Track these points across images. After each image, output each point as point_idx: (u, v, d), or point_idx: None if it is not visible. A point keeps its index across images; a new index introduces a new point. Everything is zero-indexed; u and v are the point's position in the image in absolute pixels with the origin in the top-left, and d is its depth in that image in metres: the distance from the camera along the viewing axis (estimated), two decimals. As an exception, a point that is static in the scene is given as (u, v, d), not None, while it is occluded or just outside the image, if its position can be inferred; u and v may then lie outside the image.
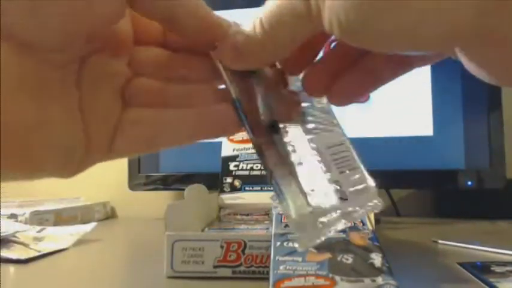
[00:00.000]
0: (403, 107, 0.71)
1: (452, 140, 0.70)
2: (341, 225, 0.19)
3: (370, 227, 0.37)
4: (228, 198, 0.56)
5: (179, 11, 0.19)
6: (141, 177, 0.81)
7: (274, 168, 0.20)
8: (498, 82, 0.18)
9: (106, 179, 0.96)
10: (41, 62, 0.17)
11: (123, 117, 0.21)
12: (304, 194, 0.19)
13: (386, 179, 0.72)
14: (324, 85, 0.22)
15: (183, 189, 0.49)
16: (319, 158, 0.21)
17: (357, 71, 0.22)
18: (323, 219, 0.19)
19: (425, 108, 0.71)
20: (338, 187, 0.21)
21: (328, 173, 0.21)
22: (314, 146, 0.22)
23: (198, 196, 0.51)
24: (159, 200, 0.87)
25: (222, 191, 0.57)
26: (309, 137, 0.22)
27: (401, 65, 0.22)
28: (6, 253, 0.47)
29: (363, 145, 0.77)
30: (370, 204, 0.21)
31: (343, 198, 0.20)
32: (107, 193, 0.94)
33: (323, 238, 0.19)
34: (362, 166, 0.22)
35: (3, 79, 0.16)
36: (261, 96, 0.21)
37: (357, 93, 0.23)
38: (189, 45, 0.22)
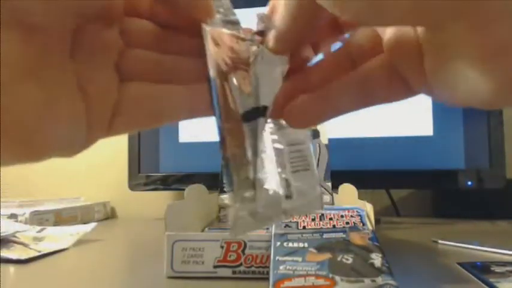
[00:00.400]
0: (403, 107, 0.71)
1: (452, 140, 0.70)
2: (277, 220, 0.20)
3: (370, 227, 0.37)
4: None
5: None
6: (141, 177, 0.81)
7: (231, 157, 0.20)
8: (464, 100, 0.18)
9: (106, 179, 0.96)
10: (42, 44, 0.17)
11: (123, 93, 0.20)
12: (254, 187, 0.19)
13: (387, 179, 0.72)
14: (278, 105, 0.22)
15: (183, 189, 0.49)
16: (277, 154, 0.21)
17: (315, 96, 0.21)
18: (263, 212, 0.19)
19: (425, 108, 0.71)
20: (286, 184, 0.21)
21: (281, 169, 0.21)
22: (276, 140, 0.22)
23: (198, 196, 0.51)
24: (159, 200, 0.87)
25: (222, 191, 0.57)
26: (274, 131, 0.22)
27: (361, 97, 0.21)
28: (6, 253, 0.47)
29: (363, 145, 0.77)
30: (309, 209, 0.21)
31: (288, 196, 0.20)
32: (107, 193, 0.94)
33: (257, 230, 0.20)
34: (315, 169, 0.22)
35: (8, 66, 0.16)
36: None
37: (310, 119, 0.22)
38: (176, 21, 0.22)
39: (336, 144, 0.61)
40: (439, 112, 0.71)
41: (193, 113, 0.22)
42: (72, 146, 0.20)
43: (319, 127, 0.58)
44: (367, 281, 0.28)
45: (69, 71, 0.19)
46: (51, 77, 0.18)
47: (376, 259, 0.31)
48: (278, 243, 0.34)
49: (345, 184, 0.53)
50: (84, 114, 0.19)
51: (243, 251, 0.37)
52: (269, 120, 0.22)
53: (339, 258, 0.31)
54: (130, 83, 0.21)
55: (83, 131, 0.19)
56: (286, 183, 0.21)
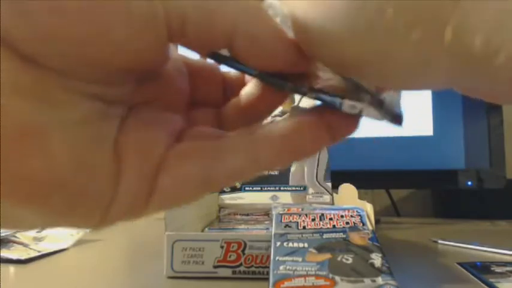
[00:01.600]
0: (403, 107, 0.71)
1: (452, 140, 0.70)
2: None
3: (370, 227, 0.37)
4: (228, 198, 0.57)
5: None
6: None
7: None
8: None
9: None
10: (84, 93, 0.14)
11: (168, 154, 0.16)
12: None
13: (387, 179, 0.72)
14: None
15: (183, 189, 0.48)
16: None
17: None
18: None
19: (425, 108, 0.71)
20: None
21: None
22: None
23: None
24: (159, 200, 0.86)
25: (222, 191, 0.57)
26: None
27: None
28: (6, 253, 0.47)
29: (363, 145, 0.77)
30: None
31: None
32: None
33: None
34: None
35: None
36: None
37: None
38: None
39: (336, 144, 0.61)
40: (439, 112, 0.71)
41: (260, 164, 0.16)
42: (90, 216, 0.15)
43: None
44: (367, 281, 0.28)
45: (110, 135, 0.15)
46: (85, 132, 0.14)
47: (376, 259, 0.31)
48: (278, 243, 0.34)
49: (345, 184, 0.53)
50: (112, 180, 0.15)
51: (243, 251, 0.37)
52: None
53: (339, 258, 0.31)
54: (179, 143, 0.16)
55: (105, 201, 0.15)
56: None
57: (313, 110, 0.16)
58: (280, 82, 0.16)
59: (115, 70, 0.14)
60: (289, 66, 0.16)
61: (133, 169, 0.15)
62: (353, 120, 0.16)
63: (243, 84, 0.19)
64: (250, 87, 0.19)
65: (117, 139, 0.15)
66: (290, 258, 0.31)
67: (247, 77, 0.20)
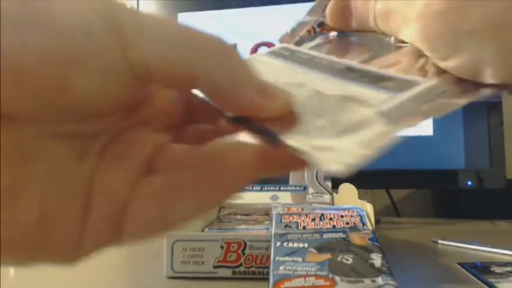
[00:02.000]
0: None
1: (452, 140, 0.70)
2: None
3: (370, 227, 0.37)
4: (228, 198, 0.56)
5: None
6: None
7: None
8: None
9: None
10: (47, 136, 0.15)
11: (132, 197, 0.17)
12: None
13: (387, 179, 0.72)
14: None
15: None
16: None
17: None
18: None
19: (425, 108, 0.71)
20: None
21: None
22: None
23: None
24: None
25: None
26: None
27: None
28: (6, 253, 0.47)
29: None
30: None
31: None
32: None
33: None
34: None
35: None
36: None
37: None
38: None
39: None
40: (439, 112, 0.71)
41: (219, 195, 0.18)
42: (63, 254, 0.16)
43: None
44: (367, 281, 0.28)
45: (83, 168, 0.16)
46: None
47: (376, 259, 0.31)
48: (278, 244, 0.34)
49: (345, 184, 0.53)
50: (79, 220, 0.16)
51: (243, 251, 0.37)
52: None
53: (339, 259, 0.31)
54: (144, 179, 0.17)
55: (73, 239, 0.16)
56: None
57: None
58: (241, 122, 0.17)
59: (85, 113, 0.15)
60: (248, 113, 0.16)
61: (101, 214, 0.16)
62: (294, 159, 0.16)
63: None
64: None
65: (91, 179, 0.16)
66: (290, 259, 0.31)
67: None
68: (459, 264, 0.41)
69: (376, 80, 0.19)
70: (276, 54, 0.23)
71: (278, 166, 0.18)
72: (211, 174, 0.17)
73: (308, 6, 0.27)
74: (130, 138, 0.17)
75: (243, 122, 0.17)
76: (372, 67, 0.20)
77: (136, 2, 0.82)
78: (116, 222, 0.16)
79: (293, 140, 0.15)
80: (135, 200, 0.17)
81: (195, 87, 0.16)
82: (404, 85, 0.18)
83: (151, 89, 0.18)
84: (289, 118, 0.17)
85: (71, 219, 0.15)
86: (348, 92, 0.18)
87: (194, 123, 0.20)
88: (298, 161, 0.16)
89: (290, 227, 0.37)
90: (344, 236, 0.35)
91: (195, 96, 0.19)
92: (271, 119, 0.16)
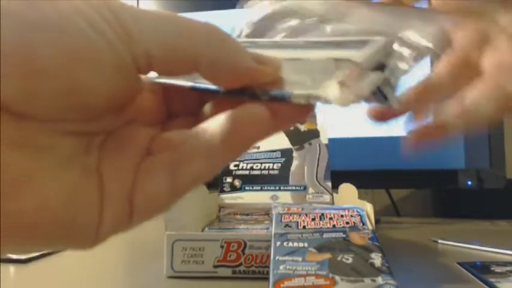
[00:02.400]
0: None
1: (452, 140, 0.70)
2: None
3: (370, 227, 0.37)
4: (228, 198, 0.57)
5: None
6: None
7: None
8: None
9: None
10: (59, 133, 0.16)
11: (138, 173, 0.17)
12: None
13: (387, 179, 0.72)
14: None
15: (183, 189, 0.48)
16: None
17: None
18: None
19: (425, 108, 0.71)
20: None
21: None
22: None
23: (198, 196, 0.51)
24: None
25: (222, 191, 0.57)
26: None
27: None
28: (6, 253, 0.47)
29: (364, 145, 0.77)
30: None
31: None
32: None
33: None
34: None
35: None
36: None
37: None
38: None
39: (336, 144, 0.61)
40: (439, 112, 0.71)
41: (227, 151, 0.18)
42: (81, 238, 0.17)
43: (319, 127, 0.58)
44: (367, 280, 0.28)
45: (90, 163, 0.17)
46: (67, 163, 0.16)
47: (376, 259, 0.31)
48: (278, 243, 0.34)
49: (345, 184, 0.53)
50: (97, 205, 0.17)
51: (243, 251, 0.37)
52: None
53: (339, 258, 0.31)
54: (146, 159, 0.18)
55: (93, 222, 0.17)
56: None
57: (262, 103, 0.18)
58: (241, 96, 0.18)
59: (94, 111, 0.16)
60: (249, 81, 0.18)
61: (114, 195, 0.17)
62: (302, 109, 0.18)
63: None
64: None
65: (99, 169, 0.17)
66: (290, 258, 0.31)
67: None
68: (459, 264, 0.41)
69: (338, 44, 0.21)
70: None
71: (288, 119, 0.18)
72: (225, 133, 0.17)
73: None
74: (124, 134, 0.18)
75: (240, 93, 0.18)
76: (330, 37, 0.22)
77: (136, 2, 0.82)
78: (129, 201, 0.17)
79: (298, 90, 0.17)
80: (141, 175, 0.17)
81: (197, 70, 0.17)
82: (362, 43, 0.19)
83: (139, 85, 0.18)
84: (279, 81, 0.18)
85: (91, 203, 0.16)
86: (322, 55, 0.19)
87: (176, 118, 0.21)
88: (305, 108, 0.17)
89: (290, 226, 0.37)
90: (344, 235, 0.35)
91: (175, 91, 0.20)
92: (266, 83, 0.18)
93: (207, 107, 0.20)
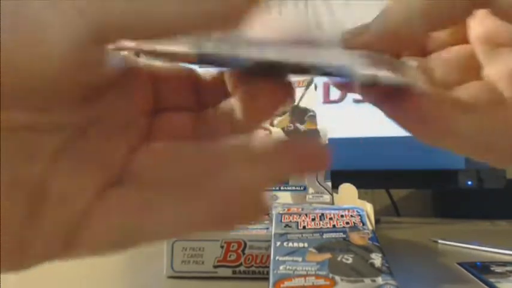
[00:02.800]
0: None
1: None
2: None
3: (370, 227, 0.37)
4: (228, 198, 0.56)
5: None
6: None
7: None
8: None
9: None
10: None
11: (94, 205, 0.14)
12: None
13: (387, 179, 0.72)
14: None
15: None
16: None
17: None
18: None
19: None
20: None
21: None
22: None
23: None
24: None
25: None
26: None
27: None
28: (6, 253, 0.47)
29: (364, 145, 0.77)
30: None
31: None
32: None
33: None
34: None
35: None
36: None
37: None
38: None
39: (335, 144, 0.61)
40: (439, 112, 0.71)
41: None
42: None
43: (319, 127, 0.58)
44: (367, 281, 0.28)
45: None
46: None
47: (376, 259, 0.31)
48: (278, 243, 0.34)
49: (345, 184, 0.53)
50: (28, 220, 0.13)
51: (243, 251, 0.37)
52: None
53: (339, 258, 0.31)
54: (113, 187, 0.15)
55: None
56: None
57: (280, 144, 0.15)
58: (272, 71, 0.15)
59: (37, 99, 0.13)
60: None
61: (51, 217, 0.14)
62: (324, 152, 0.15)
63: (220, 85, 0.18)
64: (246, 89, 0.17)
65: (43, 180, 0.13)
66: (290, 258, 0.31)
67: (225, 78, 0.18)
68: (459, 264, 0.41)
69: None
70: None
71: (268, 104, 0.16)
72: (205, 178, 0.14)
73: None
74: (91, 143, 0.15)
75: (270, 68, 0.15)
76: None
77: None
78: (69, 231, 0.14)
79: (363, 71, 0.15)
80: (97, 210, 0.14)
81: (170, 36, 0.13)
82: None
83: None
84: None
85: (13, 218, 0.13)
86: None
87: (165, 112, 0.17)
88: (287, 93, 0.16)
89: (290, 226, 0.37)
90: (344, 235, 0.35)
91: (167, 79, 0.17)
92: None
93: (221, 108, 0.17)
